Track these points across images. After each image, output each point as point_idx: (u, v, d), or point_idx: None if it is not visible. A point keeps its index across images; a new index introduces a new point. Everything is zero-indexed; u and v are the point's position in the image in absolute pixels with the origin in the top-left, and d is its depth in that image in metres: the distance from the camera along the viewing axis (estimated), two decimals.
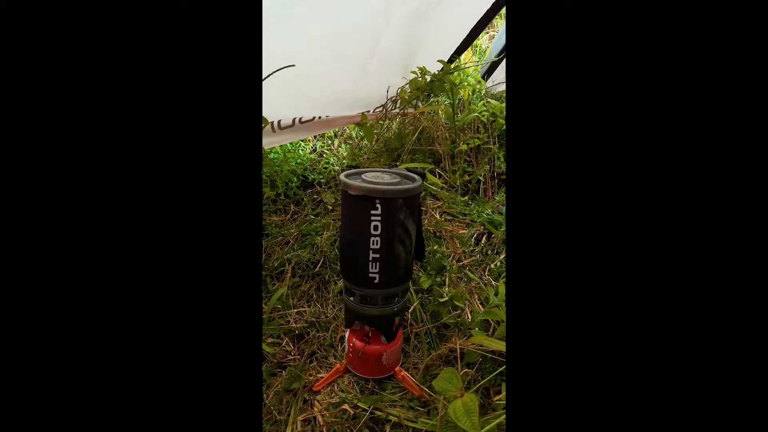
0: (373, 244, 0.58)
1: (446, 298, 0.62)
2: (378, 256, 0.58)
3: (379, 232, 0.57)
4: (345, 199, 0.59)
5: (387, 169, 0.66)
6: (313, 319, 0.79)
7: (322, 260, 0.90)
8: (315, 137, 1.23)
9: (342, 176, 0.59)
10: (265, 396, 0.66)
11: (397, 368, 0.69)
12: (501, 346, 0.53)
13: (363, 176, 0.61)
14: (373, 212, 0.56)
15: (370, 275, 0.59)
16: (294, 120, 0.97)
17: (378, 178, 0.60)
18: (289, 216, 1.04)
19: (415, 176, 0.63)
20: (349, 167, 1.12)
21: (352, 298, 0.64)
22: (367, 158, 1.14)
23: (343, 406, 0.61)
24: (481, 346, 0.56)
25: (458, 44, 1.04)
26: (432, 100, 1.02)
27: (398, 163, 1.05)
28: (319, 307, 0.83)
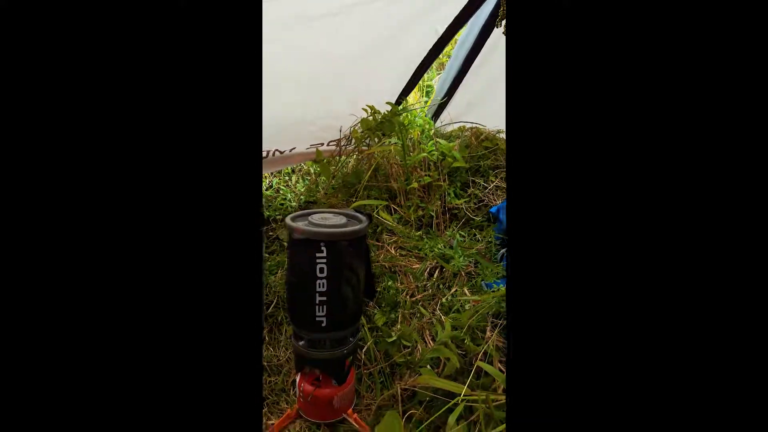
0: (319, 287, 0.58)
1: (394, 338, 0.63)
2: (325, 299, 0.59)
3: (325, 274, 0.58)
4: (290, 242, 0.60)
5: (335, 210, 0.68)
6: (265, 363, 0.76)
7: (275, 301, 0.88)
8: (271, 173, 1.24)
9: (287, 219, 0.60)
10: None
11: (350, 410, 0.68)
12: (447, 385, 0.54)
13: (310, 218, 0.62)
14: (318, 255, 0.57)
15: (317, 319, 0.59)
16: None
17: (324, 220, 0.61)
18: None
19: (362, 217, 0.65)
20: (307, 203, 1.13)
21: (300, 343, 0.63)
22: (325, 194, 1.16)
23: None
24: (428, 385, 0.57)
25: (405, 83, 1.12)
26: (384, 140, 1.07)
27: (354, 199, 1.08)
28: (271, 350, 0.80)
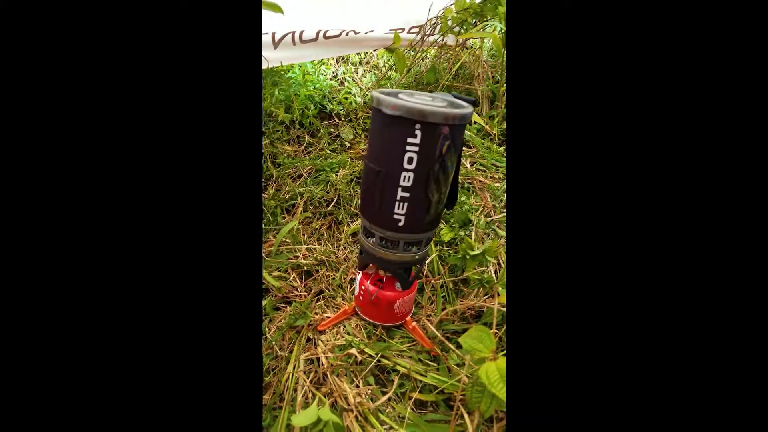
0: (403, 181, 0.49)
1: (478, 252, 0.55)
2: (408, 195, 0.50)
3: (413, 166, 0.48)
4: (376, 121, 0.49)
5: (432, 94, 0.55)
6: (324, 257, 0.74)
7: (336, 199, 0.82)
8: (337, 60, 1.09)
9: (375, 92, 0.49)
10: (266, 330, 0.62)
11: (408, 318, 0.65)
12: None
13: (401, 96, 0.50)
14: (410, 140, 0.46)
15: (395, 216, 0.52)
16: (318, 33, 0.83)
17: (420, 99, 0.49)
18: (303, 147, 0.95)
19: (464, 103, 0.52)
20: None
21: (371, 240, 0.56)
22: None
23: (350, 350, 0.57)
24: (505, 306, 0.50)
25: None
26: (480, 26, 0.86)
27: None
28: (330, 246, 0.77)
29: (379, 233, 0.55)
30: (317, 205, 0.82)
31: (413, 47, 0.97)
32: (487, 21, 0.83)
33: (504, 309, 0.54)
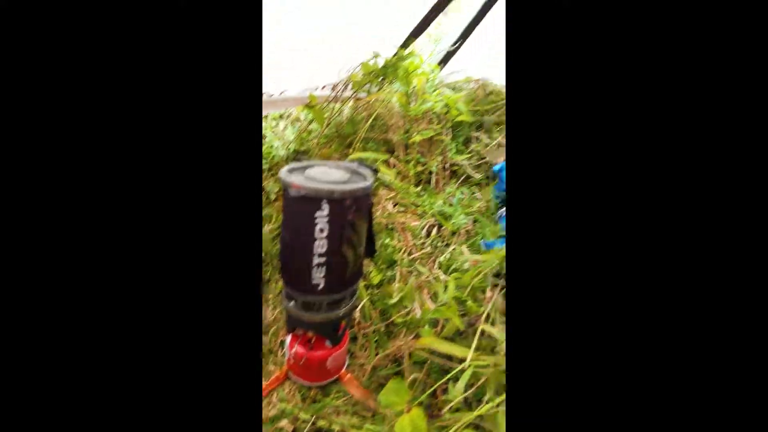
0: (318, 248, 0.53)
1: (396, 300, 0.60)
2: (324, 260, 0.53)
3: (325, 234, 0.52)
4: (286, 199, 0.53)
5: (335, 162, 0.60)
6: None
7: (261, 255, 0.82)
8: None
9: (283, 173, 0.53)
10: None
11: (342, 371, 0.67)
12: (452, 348, 0.52)
13: (308, 172, 0.54)
14: (318, 214, 0.50)
15: (314, 281, 0.55)
16: None
17: (325, 174, 0.54)
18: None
19: (366, 172, 0.58)
20: (296, 153, 1.03)
21: (292, 304, 0.58)
22: (317, 143, 1.06)
23: (280, 424, 0.56)
24: (430, 347, 0.56)
25: (413, 28, 0.99)
26: (386, 86, 0.96)
27: (350, 151, 0.99)
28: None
29: (300, 298, 0.57)
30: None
31: (329, 102, 1.04)
32: (390, 83, 0.93)
33: (427, 354, 0.59)
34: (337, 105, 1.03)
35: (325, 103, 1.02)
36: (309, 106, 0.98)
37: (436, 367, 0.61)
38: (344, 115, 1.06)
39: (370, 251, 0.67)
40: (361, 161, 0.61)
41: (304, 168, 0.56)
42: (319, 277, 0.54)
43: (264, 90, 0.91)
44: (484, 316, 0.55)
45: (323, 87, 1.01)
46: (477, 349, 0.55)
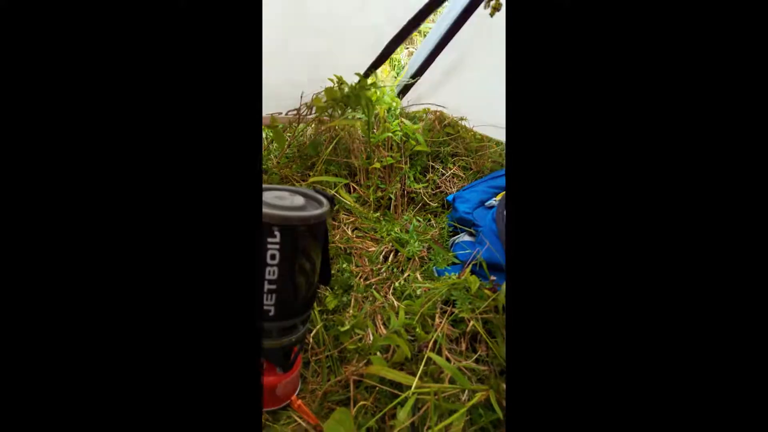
0: (268, 275, 0.53)
1: (347, 327, 0.61)
2: (274, 287, 0.54)
3: (276, 261, 0.52)
4: None
5: (291, 188, 0.62)
6: None
7: None
8: None
9: None
10: None
11: (293, 397, 0.66)
12: (398, 376, 0.54)
13: (263, 196, 0.55)
14: (270, 240, 0.51)
15: (265, 307, 0.55)
16: None
17: (279, 199, 0.55)
18: None
19: (323, 199, 0.60)
20: None
21: None
22: (278, 163, 1.06)
23: None
24: (379, 374, 0.57)
25: (375, 57, 1.04)
26: (348, 113, 1.00)
27: (311, 173, 1.01)
28: None
29: None
30: None
31: (291, 124, 1.05)
32: (353, 111, 0.97)
33: (376, 381, 0.61)
34: (300, 126, 1.04)
35: (287, 124, 1.04)
36: (270, 127, 0.99)
37: (385, 393, 0.63)
38: (306, 136, 1.08)
39: (325, 278, 0.68)
40: (318, 188, 0.63)
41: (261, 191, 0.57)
42: (269, 303, 0.54)
43: None
44: (431, 342, 0.58)
45: (287, 112, 1.02)
46: (424, 374, 0.57)
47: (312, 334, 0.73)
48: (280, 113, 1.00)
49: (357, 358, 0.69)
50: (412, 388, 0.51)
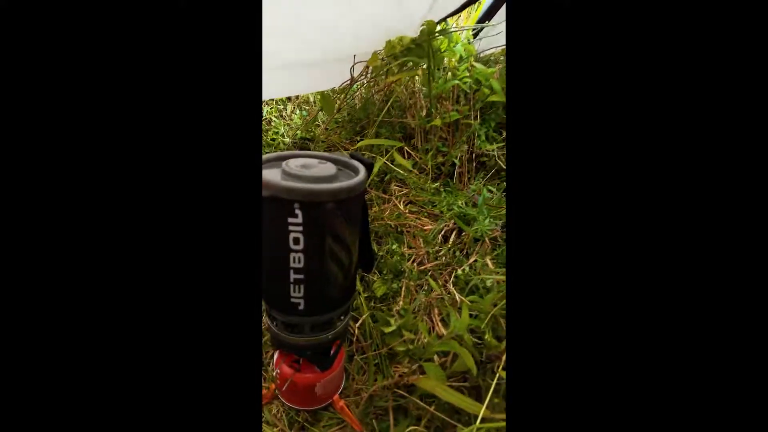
0: (294, 262, 0.42)
1: (393, 328, 0.49)
2: (302, 277, 0.43)
3: (301, 246, 0.41)
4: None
5: (323, 155, 0.49)
6: None
7: None
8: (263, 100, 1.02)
9: None
10: None
11: (336, 396, 0.58)
12: (459, 401, 0.41)
13: (285, 164, 0.44)
14: (291, 221, 0.40)
15: (293, 300, 0.45)
16: None
17: (305, 168, 0.43)
18: None
19: (359, 165, 0.47)
20: (303, 140, 0.93)
21: (274, 323, 0.49)
22: (326, 129, 0.95)
23: None
24: (433, 392, 0.44)
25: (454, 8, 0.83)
26: (408, 66, 0.82)
27: (360, 138, 0.88)
28: None
29: (280, 318, 0.48)
30: None
31: (342, 90, 0.92)
32: (419, 62, 0.79)
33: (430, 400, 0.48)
34: (352, 88, 0.90)
35: (339, 88, 0.91)
36: (318, 93, 0.87)
37: (444, 406, 0.50)
38: (357, 99, 0.94)
39: (367, 264, 0.56)
40: (357, 153, 0.50)
41: (282, 159, 0.46)
42: (297, 296, 0.44)
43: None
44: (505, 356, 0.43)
45: (341, 84, 0.88)
46: (496, 394, 0.43)
47: (358, 324, 0.63)
48: (334, 88, 0.87)
49: (408, 361, 0.57)
50: (478, 420, 0.37)
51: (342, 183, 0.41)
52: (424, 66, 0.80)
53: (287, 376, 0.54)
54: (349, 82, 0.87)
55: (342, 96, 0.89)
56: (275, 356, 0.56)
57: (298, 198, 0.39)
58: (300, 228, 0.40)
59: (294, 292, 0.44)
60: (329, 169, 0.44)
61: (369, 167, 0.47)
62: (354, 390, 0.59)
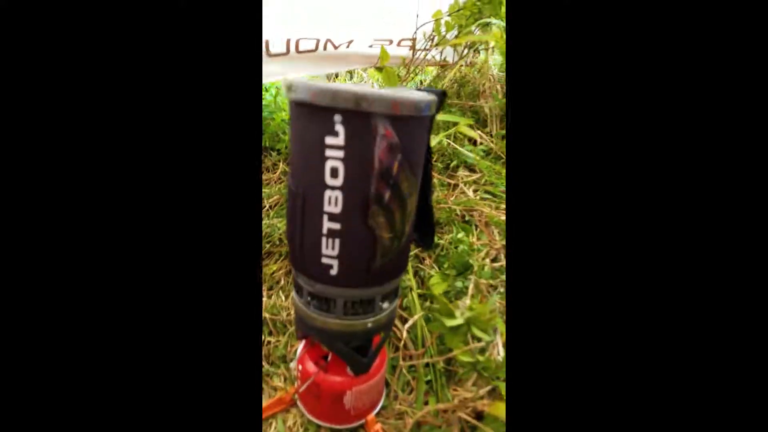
0: (328, 204, 0.31)
1: (459, 322, 0.34)
2: (338, 227, 0.32)
3: (339, 181, 0.30)
4: (292, 119, 0.34)
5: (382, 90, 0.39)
6: (267, 315, 0.55)
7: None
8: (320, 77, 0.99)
9: (287, 77, 0.33)
10: None
11: (371, 417, 0.43)
12: None
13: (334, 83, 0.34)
14: (329, 142, 0.29)
15: (324, 259, 0.33)
16: (288, 44, 0.72)
17: (361, 87, 0.33)
18: (277, 175, 0.82)
19: (430, 96, 0.35)
20: None
21: (300, 297, 0.38)
22: None
23: None
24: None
25: None
26: (479, 26, 0.71)
27: None
28: (282, 299, 0.58)
29: (307, 286, 0.36)
30: (277, 243, 0.65)
31: (406, 65, 0.84)
32: (487, 23, 0.68)
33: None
34: (416, 66, 0.82)
35: (402, 65, 0.83)
36: (379, 69, 0.80)
37: None
38: (426, 81, 0.85)
39: (426, 236, 0.43)
40: (429, 87, 0.38)
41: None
42: (330, 253, 0.33)
43: (328, 38, 0.76)
44: None
45: (400, 42, 0.81)
46: None
47: (407, 326, 0.49)
48: (390, 42, 0.80)
49: (475, 379, 0.41)
50: None
51: (406, 95, 0.30)
52: (496, 28, 0.69)
53: (309, 375, 0.41)
54: (410, 55, 0.79)
55: (406, 71, 0.81)
56: (299, 349, 0.44)
57: (341, 105, 0.28)
58: (340, 153, 0.29)
59: (326, 247, 0.33)
60: (387, 91, 0.33)
61: (442, 96, 0.35)
62: (396, 412, 0.44)
